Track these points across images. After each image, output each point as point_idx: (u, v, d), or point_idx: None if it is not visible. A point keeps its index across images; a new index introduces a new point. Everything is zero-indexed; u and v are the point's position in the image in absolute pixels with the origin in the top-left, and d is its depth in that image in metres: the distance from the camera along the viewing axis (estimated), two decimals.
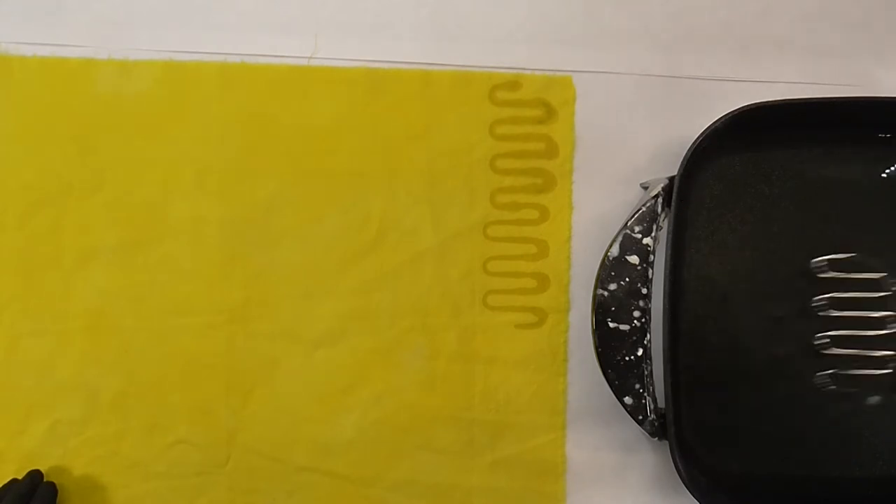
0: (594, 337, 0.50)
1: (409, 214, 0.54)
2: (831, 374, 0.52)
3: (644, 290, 0.49)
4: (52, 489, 0.51)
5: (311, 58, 0.54)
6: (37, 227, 0.54)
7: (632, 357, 0.49)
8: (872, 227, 0.52)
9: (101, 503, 0.53)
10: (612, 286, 0.50)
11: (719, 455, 0.52)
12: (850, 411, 0.52)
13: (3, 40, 0.54)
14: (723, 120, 0.49)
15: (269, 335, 0.54)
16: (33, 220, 0.54)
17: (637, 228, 0.50)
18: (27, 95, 0.54)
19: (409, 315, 0.54)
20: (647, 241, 0.50)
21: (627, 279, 0.50)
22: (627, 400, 0.50)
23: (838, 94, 0.52)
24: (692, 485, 0.49)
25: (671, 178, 0.50)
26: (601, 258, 0.50)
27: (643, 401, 0.49)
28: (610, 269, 0.50)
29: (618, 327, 0.49)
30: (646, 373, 0.49)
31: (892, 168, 0.53)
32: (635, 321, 0.49)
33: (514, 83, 0.55)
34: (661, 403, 0.50)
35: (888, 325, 0.51)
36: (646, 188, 0.52)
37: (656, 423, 0.50)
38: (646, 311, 0.49)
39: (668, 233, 0.50)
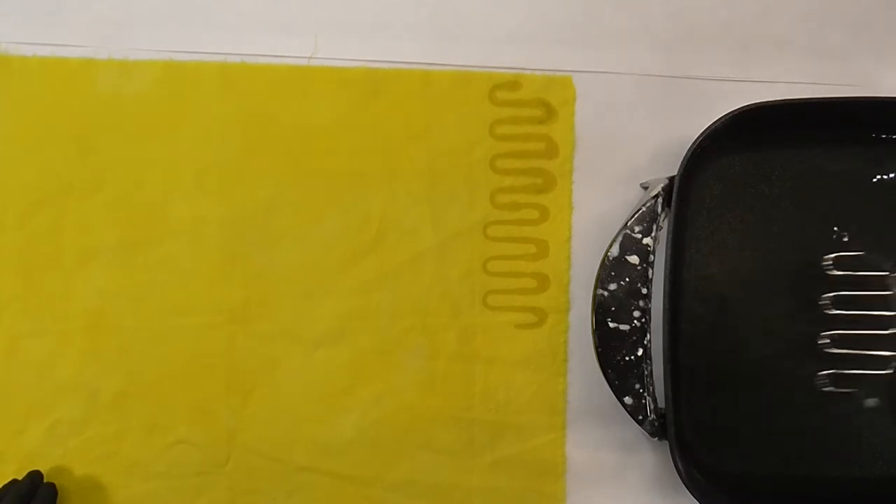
0: (594, 337, 0.50)
1: (409, 214, 0.54)
2: (831, 374, 0.52)
3: (644, 290, 0.49)
4: (52, 490, 0.51)
5: (311, 58, 0.54)
6: (37, 227, 0.54)
7: (632, 357, 0.49)
8: (872, 226, 0.52)
9: (100, 503, 0.53)
10: (612, 286, 0.50)
11: (719, 455, 0.52)
12: (850, 411, 0.52)
13: (3, 40, 0.54)
14: (723, 120, 0.49)
15: (269, 335, 0.54)
16: (33, 220, 0.54)
17: (637, 228, 0.50)
18: (27, 95, 0.54)
19: (409, 315, 0.54)
20: (647, 241, 0.50)
21: (627, 279, 0.50)
22: (627, 400, 0.50)
23: (838, 94, 0.52)
24: (692, 485, 0.49)
25: (671, 178, 0.50)
26: (601, 258, 0.50)
27: (643, 401, 0.49)
28: (610, 269, 0.50)
29: (618, 327, 0.49)
30: (646, 373, 0.49)
31: (892, 168, 0.53)
32: (635, 321, 0.49)
33: (514, 83, 0.55)
34: (661, 403, 0.50)
35: (893, 325, 0.51)
36: (646, 188, 0.52)
37: (656, 423, 0.50)
38: (646, 311, 0.49)
39: (668, 233, 0.50)
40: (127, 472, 0.53)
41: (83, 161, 0.54)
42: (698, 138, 0.49)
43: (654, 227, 0.50)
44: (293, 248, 0.54)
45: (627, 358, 0.49)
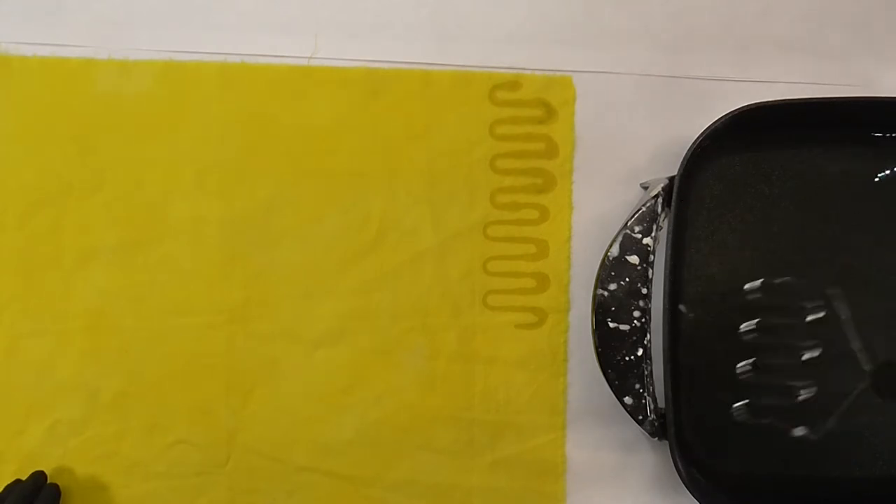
0: (594, 337, 0.50)
1: (409, 214, 0.54)
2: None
3: (644, 290, 0.49)
4: (55, 491, 0.51)
5: (311, 58, 0.54)
6: (37, 227, 0.54)
7: (632, 357, 0.49)
8: (872, 227, 0.53)
9: (101, 503, 0.53)
10: (612, 286, 0.50)
11: (719, 455, 0.52)
12: (850, 411, 0.52)
13: (3, 40, 0.54)
14: (723, 120, 0.49)
15: (269, 335, 0.54)
16: (33, 220, 0.54)
17: (637, 228, 0.50)
18: (27, 95, 0.54)
19: (409, 315, 0.54)
20: (647, 241, 0.50)
21: (627, 279, 0.50)
22: (627, 400, 0.50)
23: (838, 94, 0.52)
24: (692, 485, 0.49)
25: (671, 178, 0.50)
26: (601, 258, 0.50)
27: (643, 401, 0.49)
28: (610, 269, 0.50)
29: (618, 327, 0.49)
30: (646, 373, 0.49)
31: (893, 168, 0.53)
32: (635, 321, 0.49)
33: (514, 83, 0.55)
34: (661, 403, 0.50)
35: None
36: (646, 188, 0.52)
37: (656, 423, 0.50)
38: (646, 311, 0.49)
39: (668, 233, 0.50)
40: (127, 472, 0.53)
41: (83, 161, 0.54)
42: (698, 138, 0.49)
43: (654, 227, 0.50)
44: (293, 248, 0.54)
45: (627, 358, 0.49)
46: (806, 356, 0.52)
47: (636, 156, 0.55)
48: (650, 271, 0.50)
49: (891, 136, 0.53)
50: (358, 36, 0.55)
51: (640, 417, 0.50)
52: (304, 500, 0.54)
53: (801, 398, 0.52)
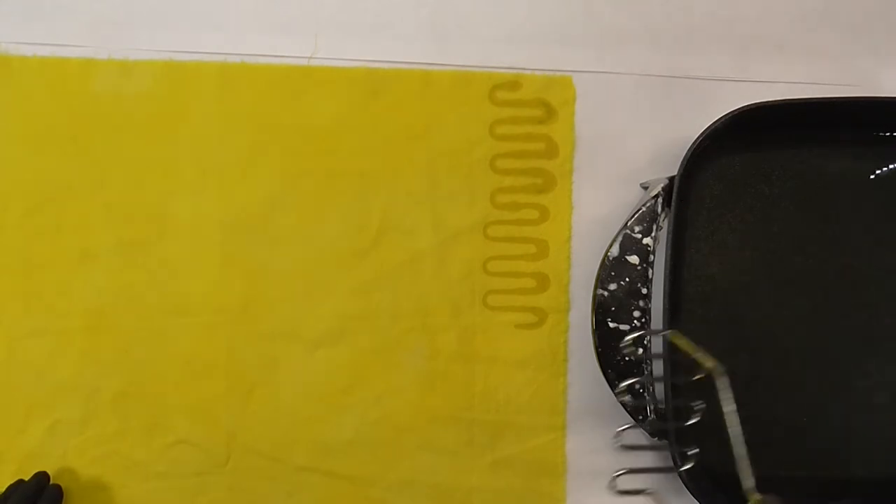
0: (594, 337, 0.50)
1: (409, 214, 0.54)
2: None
3: (644, 290, 0.49)
4: (58, 492, 0.52)
5: (311, 58, 0.54)
6: (37, 227, 0.54)
7: (632, 357, 0.49)
8: (872, 226, 0.53)
9: (101, 503, 0.53)
10: (612, 286, 0.50)
11: (720, 455, 0.52)
12: (850, 411, 0.52)
13: (3, 40, 0.54)
14: (723, 120, 0.49)
15: (269, 335, 0.54)
16: (33, 220, 0.54)
17: (637, 228, 0.50)
18: (27, 95, 0.54)
19: (409, 315, 0.54)
20: (647, 241, 0.50)
21: (627, 279, 0.50)
22: (627, 400, 0.50)
23: (838, 94, 0.52)
24: (692, 485, 0.49)
25: (671, 178, 0.50)
26: (601, 258, 0.50)
27: (643, 401, 0.49)
28: (610, 269, 0.50)
29: (618, 327, 0.49)
30: (646, 373, 0.49)
31: (892, 167, 0.53)
32: (635, 321, 0.49)
33: (514, 83, 0.55)
34: (661, 403, 0.50)
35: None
36: (646, 188, 0.52)
37: (656, 423, 0.50)
38: (646, 311, 0.49)
39: (668, 233, 0.50)
40: (127, 472, 0.53)
41: (83, 161, 0.54)
42: (698, 138, 0.49)
43: (654, 227, 0.50)
44: (293, 248, 0.54)
45: (627, 358, 0.49)
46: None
47: (636, 156, 0.55)
48: (650, 271, 0.50)
49: (891, 135, 0.53)
50: (358, 36, 0.55)
51: (640, 417, 0.50)
52: (304, 500, 0.54)
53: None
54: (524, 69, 0.55)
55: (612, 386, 0.50)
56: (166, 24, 0.54)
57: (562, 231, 0.54)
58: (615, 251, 0.50)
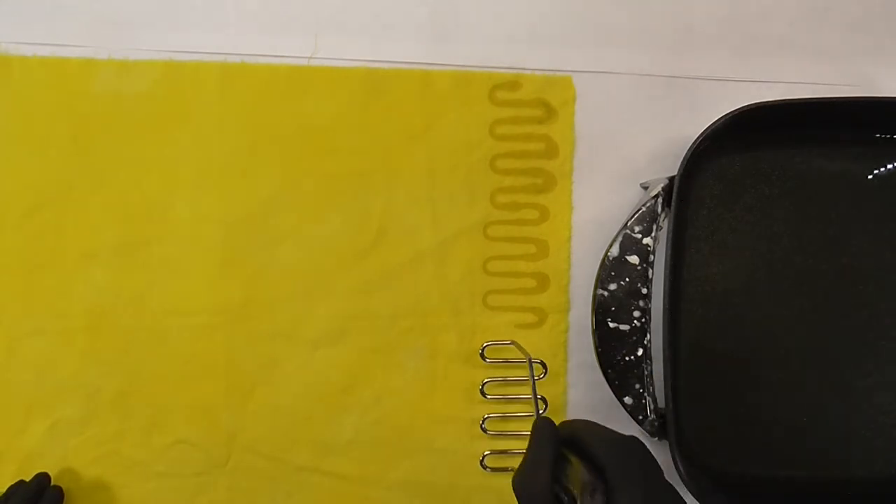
0: (594, 337, 0.50)
1: (409, 214, 0.54)
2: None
3: (644, 290, 0.49)
4: (58, 494, 0.51)
5: (311, 58, 0.54)
6: (37, 227, 0.54)
7: (632, 357, 0.49)
8: (872, 226, 0.53)
9: (101, 503, 0.53)
10: (612, 286, 0.50)
11: (719, 455, 0.52)
12: (849, 411, 0.52)
13: (3, 40, 0.54)
14: (723, 120, 0.49)
15: (269, 335, 0.54)
16: (33, 220, 0.54)
17: (637, 228, 0.50)
18: (27, 95, 0.54)
19: (409, 315, 0.54)
20: (647, 241, 0.50)
21: (627, 279, 0.50)
22: (627, 400, 0.50)
23: (838, 94, 0.52)
24: (692, 485, 0.49)
25: (671, 178, 0.50)
26: (601, 258, 0.50)
27: (643, 401, 0.50)
28: (610, 269, 0.50)
29: (618, 327, 0.49)
30: (646, 373, 0.49)
31: (891, 167, 0.53)
32: (635, 321, 0.49)
33: (514, 83, 0.55)
34: (661, 403, 0.50)
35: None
36: (646, 188, 0.52)
37: (656, 423, 0.50)
38: (646, 311, 0.49)
39: (668, 233, 0.50)
40: (127, 472, 0.53)
41: (83, 161, 0.54)
42: (698, 138, 0.49)
43: (654, 227, 0.50)
44: (293, 248, 0.54)
45: (627, 358, 0.49)
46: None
47: (636, 156, 0.55)
48: (650, 271, 0.50)
49: (890, 136, 0.53)
50: (358, 36, 0.55)
51: (640, 417, 0.50)
52: (304, 500, 0.54)
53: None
54: (524, 69, 0.55)
55: (612, 386, 0.50)
56: (166, 24, 0.54)
57: (562, 231, 0.54)
58: (615, 251, 0.50)
